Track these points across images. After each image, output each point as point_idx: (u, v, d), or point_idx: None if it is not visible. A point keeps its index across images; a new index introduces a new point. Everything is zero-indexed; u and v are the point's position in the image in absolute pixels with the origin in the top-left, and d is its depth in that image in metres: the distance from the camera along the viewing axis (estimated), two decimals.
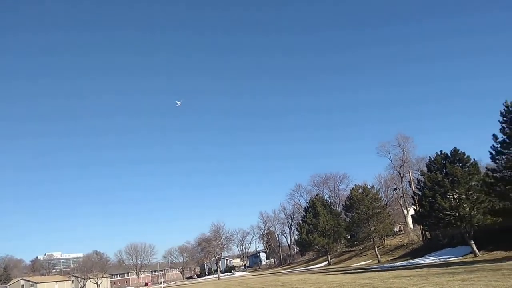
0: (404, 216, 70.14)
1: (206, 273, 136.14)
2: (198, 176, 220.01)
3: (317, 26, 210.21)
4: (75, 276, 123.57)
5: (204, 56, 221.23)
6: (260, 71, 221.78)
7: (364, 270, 35.86)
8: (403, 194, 72.38)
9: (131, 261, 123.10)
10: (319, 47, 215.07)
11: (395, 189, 74.53)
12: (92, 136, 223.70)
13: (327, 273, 37.16)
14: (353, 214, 51.87)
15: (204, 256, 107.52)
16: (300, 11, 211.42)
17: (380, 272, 28.52)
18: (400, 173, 71.32)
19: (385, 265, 41.29)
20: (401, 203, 71.83)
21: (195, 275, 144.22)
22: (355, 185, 53.20)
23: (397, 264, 40.70)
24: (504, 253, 31.60)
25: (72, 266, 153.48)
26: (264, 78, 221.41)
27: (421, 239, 51.24)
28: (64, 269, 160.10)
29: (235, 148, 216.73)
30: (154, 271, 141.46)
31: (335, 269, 47.99)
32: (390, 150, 74.68)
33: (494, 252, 33.50)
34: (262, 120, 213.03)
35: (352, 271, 36.68)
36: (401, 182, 72.21)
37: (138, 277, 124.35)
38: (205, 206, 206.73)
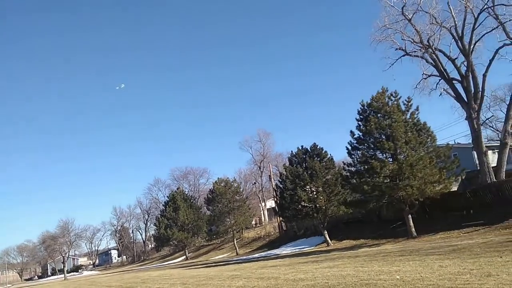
0: (262, 209, 72.91)
1: (49, 273, 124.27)
2: (41, 164, 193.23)
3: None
4: None
5: None
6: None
7: (226, 262, 35.66)
8: (262, 188, 75.33)
9: None
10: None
11: (255, 183, 77.25)
12: None
13: (188, 268, 36.09)
14: (214, 208, 51.80)
15: (48, 256, 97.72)
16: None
17: (244, 264, 28.40)
18: (260, 168, 74.01)
19: (244, 257, 41.87)
20: (259, 196, 74.49)
21: (36, 276, 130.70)
22: (218, 178, 53.28)
23: (256, 255, 41.56)
24: (353, 242, 34.28)
25: None
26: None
27: (277, 231, 53.48)
28: None
29: (86, 136, 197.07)
30: None
31: (194, 263, 47.21)
32: (251, 145, 77.12)
33: (343, 241, 36.19)
34: (124, 109, 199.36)
35: (214, 264, 36.22)
36: (261, 177, 75.12)
37: None
38: (50, 201, 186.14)
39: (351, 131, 29.26)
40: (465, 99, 33.95)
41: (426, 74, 37.22)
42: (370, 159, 27.43)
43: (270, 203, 77.84)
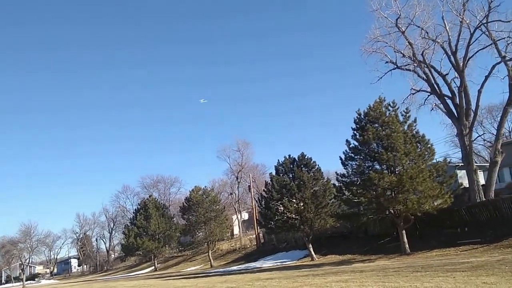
0: (238, 220, 70.76)
1: (3, 281, 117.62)
2: None
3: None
4: None
5: None
6: None
7: (205, 274, 33.40)
8: (238, 199, 73.08)
9: None
10: None
11: (231, 193, 74.89)
12: None
13: (164, 278, 33.74)
14: (190, 217, 49.53)
15: (5, 262, 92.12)
16: None
17: (229, 276, 26.45)
18: (237, 178, 71.76)
19: (221, 270, 39.72)
20: (235, 208, 72.27)
21: None
22: (195, 186, 50.88)
23: (235, 268, 39.50)
24: (339, 257, 32.83)
25: None
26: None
27: (254, 243, 51.61)
28: None
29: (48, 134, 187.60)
30: None
31: (167, 274, 44.67)
32: (229, 155, 74.68)
33: (328, 256, 34.74)
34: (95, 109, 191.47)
35: (193, 276, 33.93)
36: (238, 188, 72.86)
37: None
38: (8, 202, 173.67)
39: (347, 140, 28.10)
40: (456, 115, 33.50)
41: (414, 90, 36.43)
42: (367, 169, 26.29)
43: (244, 215, 75.85)
